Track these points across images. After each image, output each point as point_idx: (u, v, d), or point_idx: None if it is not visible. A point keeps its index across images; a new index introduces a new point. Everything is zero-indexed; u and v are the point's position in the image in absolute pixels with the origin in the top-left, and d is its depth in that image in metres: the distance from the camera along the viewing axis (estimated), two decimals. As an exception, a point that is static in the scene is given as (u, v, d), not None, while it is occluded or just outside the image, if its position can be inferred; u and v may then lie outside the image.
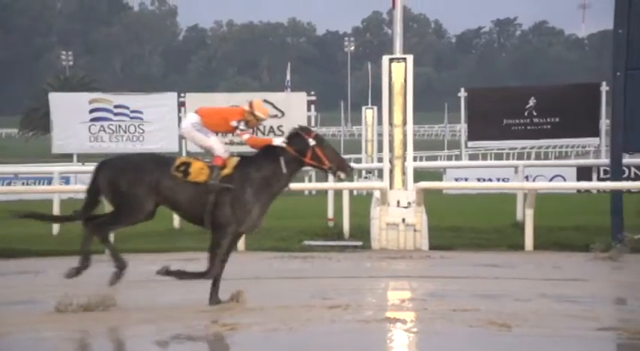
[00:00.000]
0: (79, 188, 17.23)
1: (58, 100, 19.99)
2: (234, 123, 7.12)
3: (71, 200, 16.95)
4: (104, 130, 19.45)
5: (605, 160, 15.71)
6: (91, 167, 19.81)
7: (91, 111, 19.51)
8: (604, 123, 18.52)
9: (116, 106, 19.57)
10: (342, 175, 7.09)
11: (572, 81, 28.01)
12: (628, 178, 16.26)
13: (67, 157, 21.38)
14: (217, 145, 7.07)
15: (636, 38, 10.11)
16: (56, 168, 14.77)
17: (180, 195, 6.82)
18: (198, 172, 6.80)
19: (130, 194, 6.80)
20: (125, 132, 19.60)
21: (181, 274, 6.86)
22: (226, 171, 6.85)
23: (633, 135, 10.28)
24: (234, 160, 6.95)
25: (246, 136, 7.16)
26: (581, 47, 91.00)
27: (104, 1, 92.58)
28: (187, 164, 6.87)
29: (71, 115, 19.36)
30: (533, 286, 7.64)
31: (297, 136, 7.01)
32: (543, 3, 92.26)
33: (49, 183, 15.95)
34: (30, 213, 7.84)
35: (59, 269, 8.99)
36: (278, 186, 6.90)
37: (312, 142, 6.89)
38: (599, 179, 15.43)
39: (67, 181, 18.16)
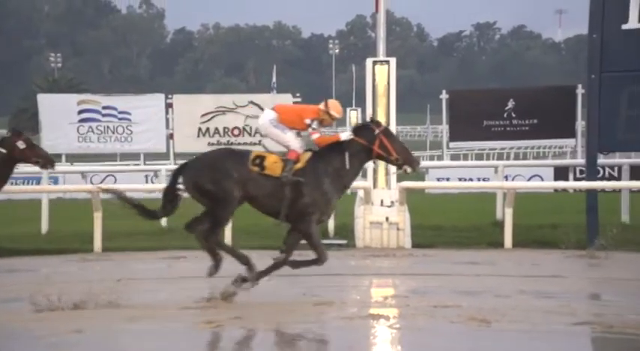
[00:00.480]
0: (67, 188, 17.22)
1: (46, 102, 19.86)
2: (308, 121, 7.17)
3: (60, 200, 16.88)
4: (92, 131, 19.33)
5: (580, 160, 15.83)
6: (79, 167, 19.78)
7: (80, 112, 19.38)
8: (580, 124, 18.65)
9: (104, 108, 19.45)
10: (409, 170, 7.18)
11: (550, 84, 28.13)
12: (602, 178, 16.39)
13: (55, 158, 21.22)
14: (293, 140, 7.15)
15: (610, 42, 10.20)
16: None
17: (258, 188, 6.91)
18: (273, 165, 6.91)
19: (217, 191, 6.86)
20: (113, 132, 19.50)
21: (297, 264, 7.13)
22: (299, 165, 6.96)
23: (607, 136, 10.36)
24: (307, 155, 7.06)
25: (315, 136, 7.17)
26: (558, 51, 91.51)
27: (92, 3, 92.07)
28: (262, 158, 6.95)
29: (60, 116, 19.22)
30: (513, 283, 7.68)
31: (364, 127, 7.18)
32: (521, 8, 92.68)
33: (38, 183, 15.87)
34: (125, 198, 7.79)
35: (49, 267, 8.98)
36: (347, 179, 7.08)
37: (377, 131, 7.03)
38: (576, 179, 15.57)
39: (55, 181, 18.04)
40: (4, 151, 8.46)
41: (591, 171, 10.79)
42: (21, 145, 8.55)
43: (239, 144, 18.85)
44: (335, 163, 6.97)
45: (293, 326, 5.89)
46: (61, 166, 18.60)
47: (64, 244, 10.89)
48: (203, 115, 18.52)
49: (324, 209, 7.02)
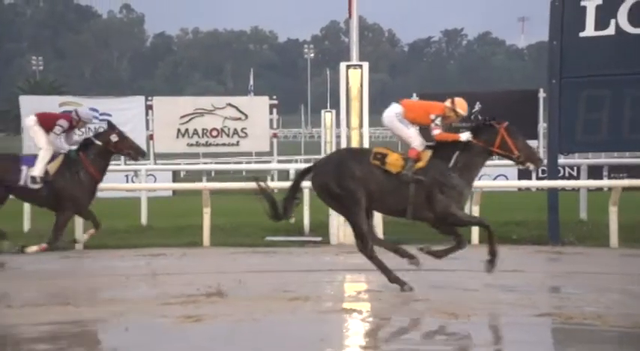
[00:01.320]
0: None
1: (28, 103, 19.60)
2: (432, 116, 7.09)
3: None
4: (74, 132, 19.16)
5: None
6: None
7: (62, 113, 19.22)
8: (541, 126, 18.80)
9: (86, 109, 19.30)
10: (531, 167, 7.18)
11: (513, 87, 28.37)
12: (563, 178, 16.59)
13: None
14: (415, 137, 7.09)
15: (568, 49, 10.33)
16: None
17: (380, 185, 6.86)
18: (394, 162, 6.90)
19: (344, 194, 6.86)
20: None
21: (442, 252, 7.08)
22: (420, 164, 6.91)
23: (567, 138, 10.49)
24: (428, 153, 7.00)
25: (436, 132, 7.09)
26: (521, 56, 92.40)
27: (73, 8, 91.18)
28: (384, 155, 6.95)
29: (42, 118, 19.05)
30: (479, 278, 7.71)
31: (485, 127, 7.11)
32: (487, 15, 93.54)
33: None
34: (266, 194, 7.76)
35: (32, 265, 8.88)
36: (469, 175, 7.05)
37: (500, 130, 6.99)
38: (538, 178, 15.67)
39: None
40: (100, 143, 8.84)
41: (552, 171, 10.91)
42: (114, 138, 8.92)
43: (217, 145, 18.83)
44: (458, 162, 6.92)
45: (270, 320, 5.89)
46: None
47: (44, 240, 10.77)
48: (182, 117, 18.44)
49: (458, 201, 6.94)
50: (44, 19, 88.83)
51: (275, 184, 16.19)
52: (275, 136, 19.20)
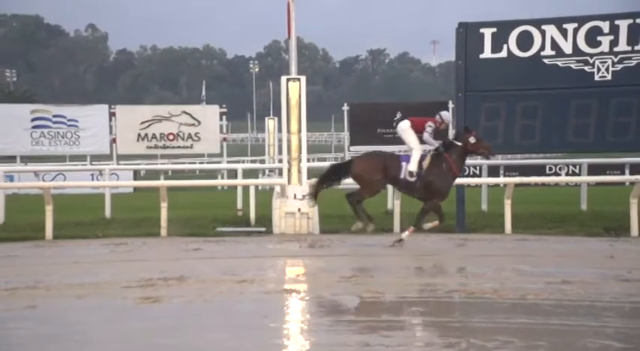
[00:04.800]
0: (22, 185, 16.48)
1: (3, 111, 19.04)
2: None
3: (15, 195, 16.14)
4: (44, 136, 18.70)
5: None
6: (32, 167, 18.98)
7: (33, 119, 18.74)
8: (451, 132, 19.15)
9: (55, 116, 18.88)
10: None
11: (428, 99, 28.88)
12: (468, 175, 16.98)
13: (11, 159, 20.37)
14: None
15: (471, 68, 10.60)
16: (1, 168, 13.99)
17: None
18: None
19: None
20: (63, 137, 18.90)
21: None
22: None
23: None
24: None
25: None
26: (433, 73, 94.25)
27: (43, 27, 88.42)
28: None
29: (15, 123, 18.55)
30: (399, 261, 7.84)
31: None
32: (405, 38, 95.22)
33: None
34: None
35: (5, 252, 8.56)
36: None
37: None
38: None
39: (11, 178, 17.26)
40: (460, 144, 9.00)
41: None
42: (472, 139, 9.01)
43: (173, 147, 18.50)
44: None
45: (220, 300, 5.84)
46: (15, 166, 17.85)
47: (19, 232, 10.44)
48: (142, 123, 18.13)
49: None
50: (17, 36, 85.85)
51: (224, 182, 16.15)
52: (225, 139, 19.05)
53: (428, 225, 9.03)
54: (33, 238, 9.96)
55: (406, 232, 9.00)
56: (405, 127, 9.14)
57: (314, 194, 9.37)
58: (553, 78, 10.31)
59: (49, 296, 6.00)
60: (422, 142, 9.08)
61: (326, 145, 47.74)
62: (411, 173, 8.91)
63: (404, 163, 8.96)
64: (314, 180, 9.64)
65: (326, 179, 9.32)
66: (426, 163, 8.96)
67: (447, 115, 9.32)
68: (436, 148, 9.04)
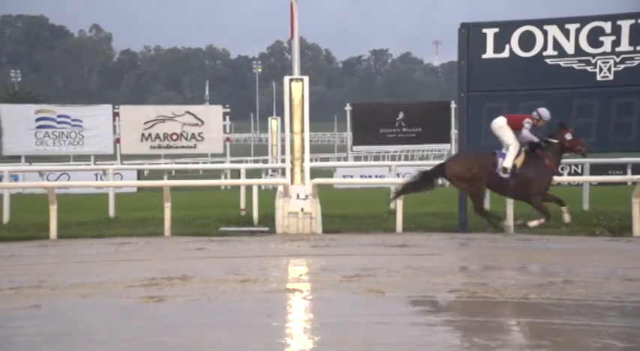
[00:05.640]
0: (26, 185, 16.52)
1: (8, 111, 19.06)
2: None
3: (20, 195, 16.18)
4: (49, 136, 18.74)
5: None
6: (37, 167, 19.02)
7: (37, 119, 18.79)
8: (453, 132, 19.21)
9: (59, 116, 18.92)
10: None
11: (430, 99, 28.75)
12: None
13: (15, 159, 20.42)
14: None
15: (473, 68, 10.58)
16: (6, 167, 14.02)
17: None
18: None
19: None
20: (67, 137, 18.95)
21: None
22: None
23: (473, 142, 10.64)
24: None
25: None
26: (436, 73, 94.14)
27: (48, 28, 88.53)
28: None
29: (19, 123, 18.60)
30: (401, 261, 7.83)
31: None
32: (408, 39, 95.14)
33: (0, 180, 15.16)
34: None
35: (11, 252, 8.58)
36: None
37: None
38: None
39: (15, 178, 17.30)
40: (556, 141, 8.92)
41: (462, 170, 11.10)
42: (568, 136, 8.93)
43: (177, 147, 18.53)
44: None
45: (223, 299, 5.84)
46: (20, 166, 17.88)
47: (23, 232, 10.47)
48: (145, 123, 18.16)
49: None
50: (22, 37, 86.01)
51: (227, 182, 16.18)
52: (228, 139, 19.07)
53: (534, 223, 8.86)
54: (37, 238, 9.99)
55: (535, 222, 8.91)
56: (501, 124, 9.00)
57: (399, 196, 9.58)
58: (555, 78, 10.29)
59: (54, 295, 6.01)
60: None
61: (329, 145, 47.72)
62: (504, 170, 8.82)
63: (500, 160, 8.89)
64: (401, 184, 9.66)
65: (417, 187, 9.22)
66: (519, 161, 8.83)
67: (544, 112, 9.05)
68: (537, 143, 8.87)
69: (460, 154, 9.71)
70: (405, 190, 9.43)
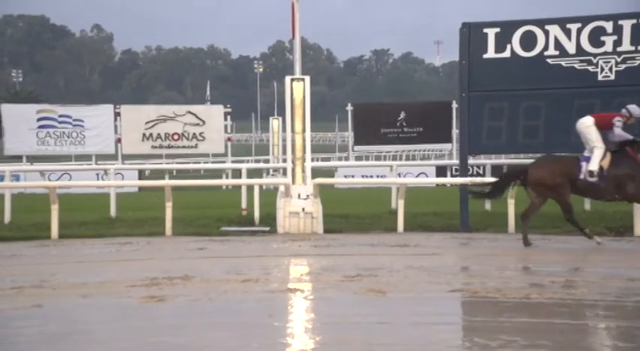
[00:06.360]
0: (27, 184, 16.52)
1: (9, 111, 19.05)
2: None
3: (21, 195, 16.19)
4: (50, 136, 18.74)
5: (455, 161, 16.30)
6: (38, 167, 19.01)
7: (39, 119, 18.78)
8: (454, 132, 19.21)
9: (60, 116, 18.91)
10: None
11: (431, 99, 28.70)
12: (471, 175, 16.94)
13: (17, 158, 20.43)
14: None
15: (475, 68, 10.57)
16: (7, 167, 14.03)
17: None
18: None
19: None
20: (69, 137, 18.95)
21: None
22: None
23: (475, 142, 10.73)
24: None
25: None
26: (437, 73, 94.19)
27: (49, 27, 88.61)
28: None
29: (21, 123, 18.60)
30: (402, 260, 7.83)
31: None
32: (409, 38, 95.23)
33: (1, 180, 15.19)
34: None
35: (12, 252, 8.59)
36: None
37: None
38: (452, 176, 15.98)
39: (17, 178, 17.32)
40: None
41: (463, 169, 11.12)
42: None
43: (178, 147, 18.55)
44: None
45: (225, 299, 5.84)
46: (21, 166, 17.89)
47: (25, 232, 10.47)
48: (147, 123, 18.16)
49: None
50: (23, 37, 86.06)
51: (228, 181, 16.16)
52: (229, 139, 19.07)
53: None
54: (39, 238, 9.99)
55: None
56: (588, 124, 8.62)
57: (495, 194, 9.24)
58: (556, 78, 10.28)
59: (55, 295, 6.01)
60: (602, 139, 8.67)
61: (330, 144, 47.72)
62: (591, 173, 8.45)
63: (583, 164, 8.52)
64: (492, 181, 9.48)
65: (493, 195, 9.15)
66: (605, 163, 8.48)
67: (635, 109, 8.70)
68: (631, 141, 8.56)
69: (544, 157, 9.18)
70: (482, 195, 9.30)
